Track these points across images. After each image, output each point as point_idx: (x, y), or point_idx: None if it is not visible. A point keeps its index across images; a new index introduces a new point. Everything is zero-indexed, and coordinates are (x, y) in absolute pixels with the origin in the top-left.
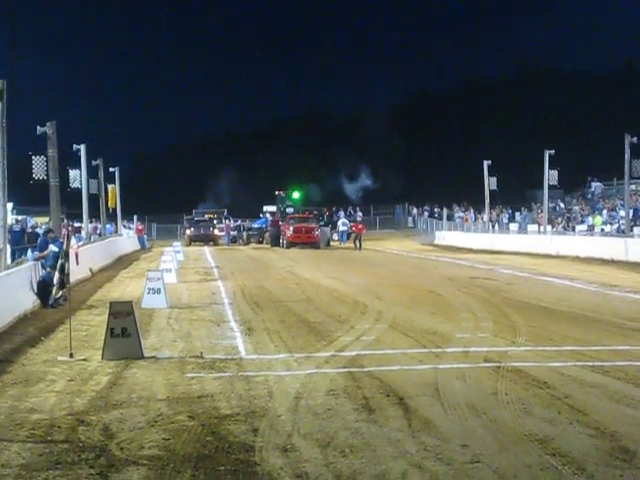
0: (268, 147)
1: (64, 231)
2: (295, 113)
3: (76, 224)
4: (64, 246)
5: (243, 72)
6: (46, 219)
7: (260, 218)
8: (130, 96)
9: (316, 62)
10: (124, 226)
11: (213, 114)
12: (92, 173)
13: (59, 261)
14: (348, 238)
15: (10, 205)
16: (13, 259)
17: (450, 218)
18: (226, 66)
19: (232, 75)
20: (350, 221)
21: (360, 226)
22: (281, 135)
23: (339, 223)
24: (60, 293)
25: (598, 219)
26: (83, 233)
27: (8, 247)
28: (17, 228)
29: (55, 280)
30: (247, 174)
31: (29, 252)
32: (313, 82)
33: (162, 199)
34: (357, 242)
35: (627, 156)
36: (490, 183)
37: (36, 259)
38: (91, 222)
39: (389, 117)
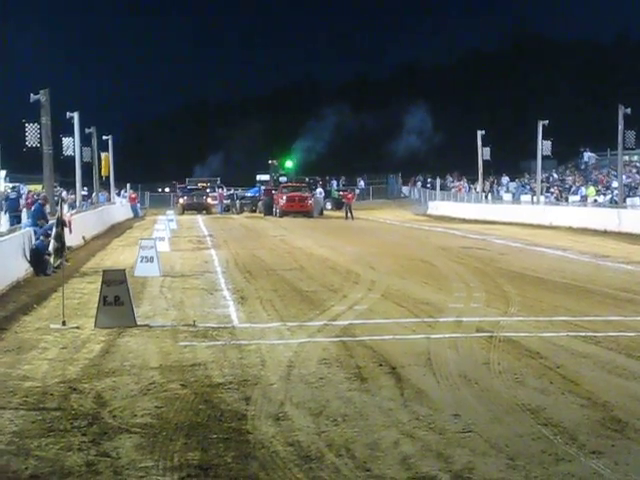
0: (265, 115)
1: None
2: (287, 81)
3: (70, 195)
4: (58, 214)
5: (237, 39)
6: (39, 187)
7: (253, 187)
8: (124, 64)
9: (307, 32)
10: (117, 194)
11: (207, 83)
12: (86, 141)
13: (54, 229)
14: (339, 207)
15: (3, 173)
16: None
17: (443, 188)
18: (220, 33)
19: (226, 43)
20: (340, 190)
21: (350, 195)
22: (277, 102)
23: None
24: (59, 262)
25: (591, 190)
26: (77, 202)
27: (4, 215)
28: (13, 195)
29: (51, 248)
30: (245, 141)
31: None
32: (305, 50)
33: (155, 168)
34: (347, 211)
35: (620, 127)
36: (484, 153)
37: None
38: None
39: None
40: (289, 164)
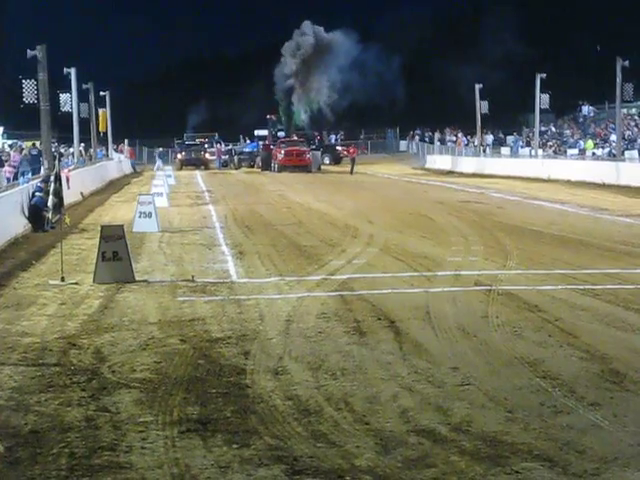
0: (265, 69)
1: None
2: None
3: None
4: (56, 169)
5: None
6: (37, 143)
7: (251, 142)
8: (121, 19)
9: None
10: (115, 150)
11: (205, 37)
12: (83, 97)
13: (52, 185)
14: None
15: (1, 129)
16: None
17: (442, 142)
18: None
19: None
20: (343, 145)
21: (352, 150)
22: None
23: None
24: (57, 217)
25: (590, 143)
26: (75, 158)
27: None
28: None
29: (50, 204)
30: (240, 97)
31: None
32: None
33: (153, 123)
34: (352, 165)
35: (618, 80)
36: (482, 107)
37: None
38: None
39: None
40: None
